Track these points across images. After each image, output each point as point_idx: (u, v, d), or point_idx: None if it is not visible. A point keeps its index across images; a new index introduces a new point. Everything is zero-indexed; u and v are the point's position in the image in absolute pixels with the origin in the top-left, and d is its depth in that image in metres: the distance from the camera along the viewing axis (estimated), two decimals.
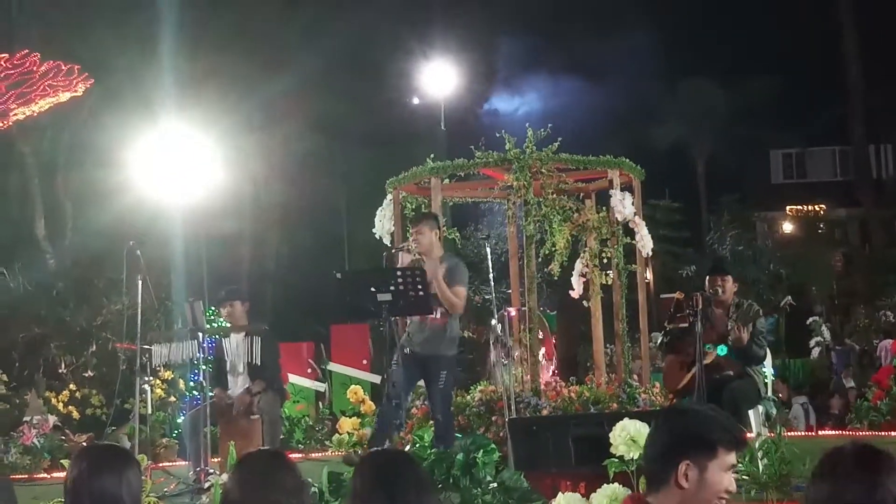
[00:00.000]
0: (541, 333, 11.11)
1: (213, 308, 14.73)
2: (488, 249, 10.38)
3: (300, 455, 13.02)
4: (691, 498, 3.31)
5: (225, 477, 6.51)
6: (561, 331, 16.09)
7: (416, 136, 26.69)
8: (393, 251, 9.28)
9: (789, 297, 23.58)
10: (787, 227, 35.92)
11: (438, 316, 8.56)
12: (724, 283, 9.06)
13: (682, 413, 3.69)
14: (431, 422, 8.76)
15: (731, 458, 3.37)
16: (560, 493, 6.37)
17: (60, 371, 14.35)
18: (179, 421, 13.05)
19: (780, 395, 15.44)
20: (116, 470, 3.84)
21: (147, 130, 14.84)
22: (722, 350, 8.73)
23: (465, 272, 8.85)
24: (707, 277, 9.22)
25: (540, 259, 11.11)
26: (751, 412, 8.88)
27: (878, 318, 20.99)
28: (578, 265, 11.32)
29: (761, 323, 9.06)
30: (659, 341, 10.88)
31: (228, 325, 10.22)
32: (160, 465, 11.16)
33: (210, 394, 9.70)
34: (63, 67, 13.90)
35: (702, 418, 3.42)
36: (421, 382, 9.19)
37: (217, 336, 10.54)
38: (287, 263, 29.14)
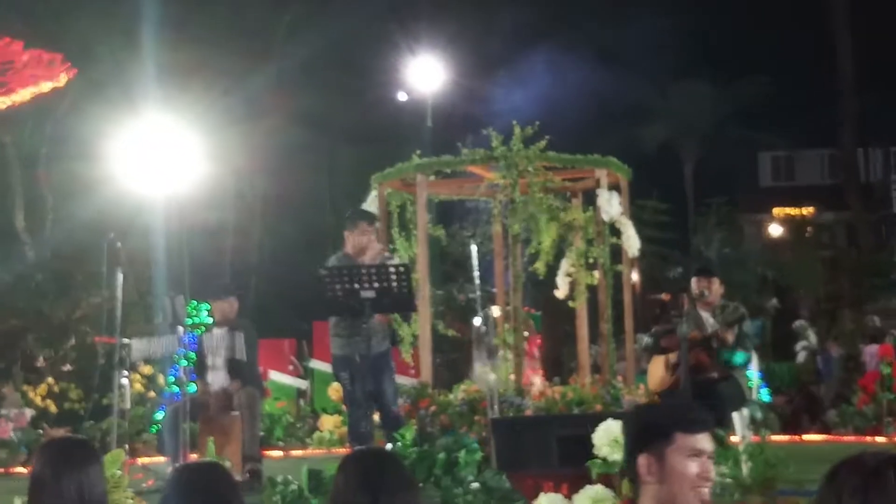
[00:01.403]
0: (526, 332, 11.06)
1: (195, 302, 14.64)
2: (473, 248, 10.30)
3: (280, 452, 12.93)
4: (662, 491, 3.21)
5: None
6: (546, 331, 16.05)
7: (402, 132, 26.63)
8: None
9: (774, 300, 23.56)
10: (775, 229, 35.91)
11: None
12: (710, 285, 8.99)
13: (636, 409, 3.60)
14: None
15: (695, 441, 3.23)
16: (542, 494, 6.33)
17: (38, 364, 14.28)
18: (159, 416, 12.94)
19: None
20: (78, 465, 3.80)
21: (130, 122, 14.72)
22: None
23: None
24: (693, 279, 9.15)
25: (525, 258, 11.05)
26: (735, 415, 8.82)
27: (865, 323, 20.98)
28: (564, 265, 11.25)
29: (747, 326, 9.00)
30: (644, 343, 10.83)
31: (212, 319, 10.15)
32: (138, 460, 11.04)
33: (191, 389, 9.63)
34: (45, 57, 13.76)
35: (653, 408, 3.33)
36: None
37: (198, 331, 10.45)
38: (270, 258, 29.09)
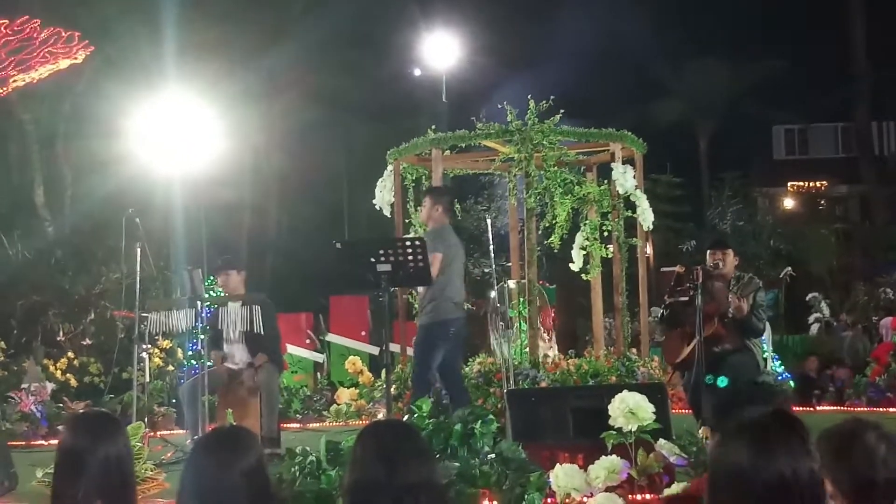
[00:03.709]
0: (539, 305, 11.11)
1: (212, 277, 14.73)
2: (489, 222, 10.36)
3: (298, 425, 13.04)
4: None
5: None
6: (560, 304, 16.09)
7: (417, 108, 26.66)
8: None
9: (789, 269, 23.52)
10: (789, 203, 35.87)
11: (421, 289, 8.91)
12: (724, 257, 9.02)
13: None
14: (429, 392, 8.80)
15: None
16: (558, 465, 6.37)
17: (59, 339, 14.34)
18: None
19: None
20: (110, 436, 3.83)
21: (148, 100, 14.78)
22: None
23: (435, 240, 8.72)
24: (707, 251, 9.19)
25: (540, 232, 11.10)
26: None
27: (878, 295, 20.98)
28: (579, 238, 11.30)
29: (761, 296, 9.03)
30: (659, 315, 10.87)
31: (224, 294, 10.19)
32: (158, 433, 11.16)
33: (209, 363, 9.69)
34: (63, 34, 13.82)
35: None
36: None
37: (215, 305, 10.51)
38: (287, 233, 29.17)
